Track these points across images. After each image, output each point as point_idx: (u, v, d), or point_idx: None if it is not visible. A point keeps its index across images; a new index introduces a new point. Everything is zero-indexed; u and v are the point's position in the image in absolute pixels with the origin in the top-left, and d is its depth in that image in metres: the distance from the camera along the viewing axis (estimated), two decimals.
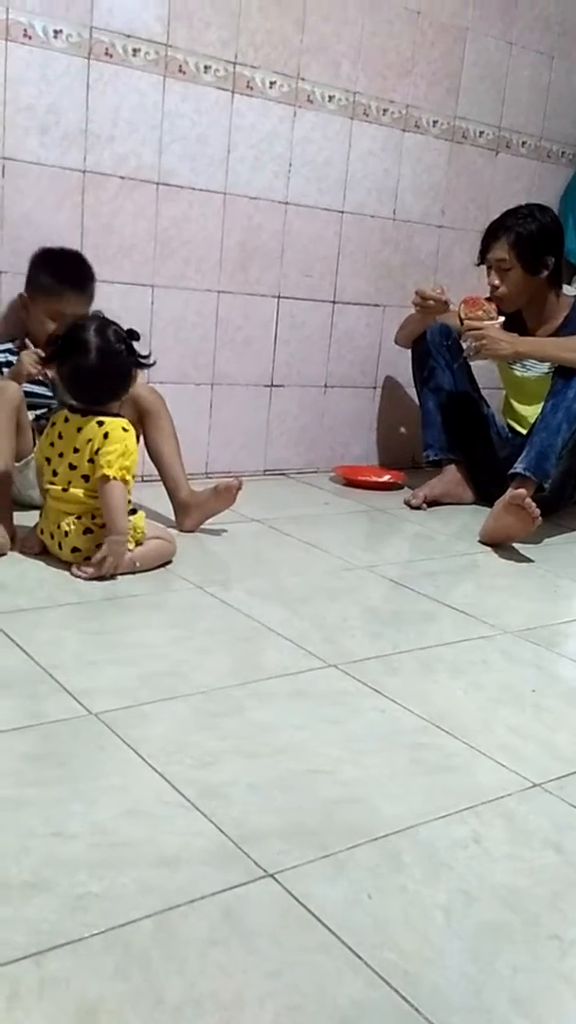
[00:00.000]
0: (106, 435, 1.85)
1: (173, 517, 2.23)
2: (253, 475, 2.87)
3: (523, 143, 3.28)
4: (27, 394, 2.08)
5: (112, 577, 1.84)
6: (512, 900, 0.99)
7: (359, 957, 0.89)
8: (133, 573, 1.88)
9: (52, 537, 1.90)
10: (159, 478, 2.23)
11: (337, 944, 0.90)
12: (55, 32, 2.29)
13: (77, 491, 1.86)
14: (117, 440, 1.85)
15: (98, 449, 1.84)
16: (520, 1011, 0.85)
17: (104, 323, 1.88)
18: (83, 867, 0.97)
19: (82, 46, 2.33)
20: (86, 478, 1.86)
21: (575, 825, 1.15)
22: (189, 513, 2.21)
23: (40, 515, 1.96)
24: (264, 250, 2.77)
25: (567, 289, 2.91)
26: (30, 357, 2.08)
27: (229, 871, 0.99)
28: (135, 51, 2.41)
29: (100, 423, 1.86)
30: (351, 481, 2.93)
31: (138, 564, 1.89)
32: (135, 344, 1.89)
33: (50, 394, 2.23)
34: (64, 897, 0.92)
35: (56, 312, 2.21)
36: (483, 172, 3.21)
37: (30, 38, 2.26)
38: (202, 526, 2.23)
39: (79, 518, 1.86)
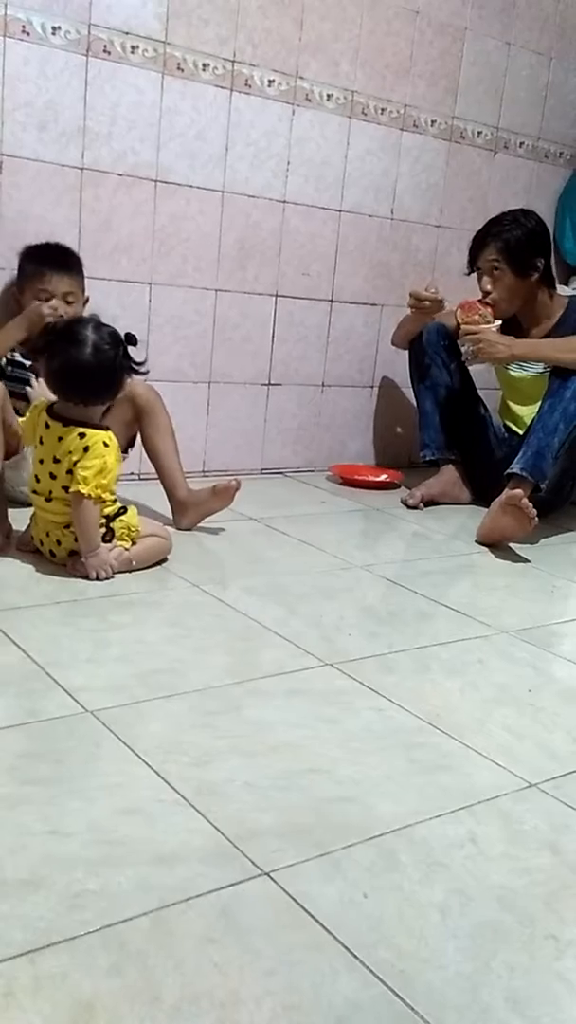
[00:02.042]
0: (86, 448, 1.79)
1: (170, 515, 2.23)
2: (250, 474, 2.87)
3: (521, 143, 3.28)
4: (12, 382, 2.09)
5: (107, 577, 1.84)
6: (508, 900, 1.00)
7: (355, 956, 0.89)
8: (130, 571, 1.88)
9: (43, 544, 1.89)
10: (156, 476, 2.23)
11: (333, 943, 0.90)
12: (53, 29, 2.28)
13: (59, 503, 1.83)
14: (96, 456, 1.79)
15: (76, 462, 1.79)
16: (516, 1011, 0.85)
17: (101, 323, 1.85)
18: (80, 865, 0.97)
19: (80, 43, 2.33)
20: (66, 488, 1.81)
21: (571, 825, 1.15)
22: (186, 512, 2.21)
23: (31, 518, 1.95)
24: (262, 248, 2.77)
25: (562, 289, 2.91)
26: (49, 307, 2.10)
27: (225, 869, 0.99)
28: (133, 48, 2.41)
29: (81, 435, 1.80)
30: (348, 480, 2.93)
31: (134, 563, 1.88)
32: (132, 349, 1.85)
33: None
34: (60, 895, 0.92)
35: (43, 292, 2.21)
36: (481, 172, 3.21)
37: (28, 35, 2.26)
38: (199, 525, 2.23)
39: (67, 527, 1.84)
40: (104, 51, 2.37)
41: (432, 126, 3.04)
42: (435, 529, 2.53)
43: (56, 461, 1.82)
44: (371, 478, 2.97)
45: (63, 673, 1.40)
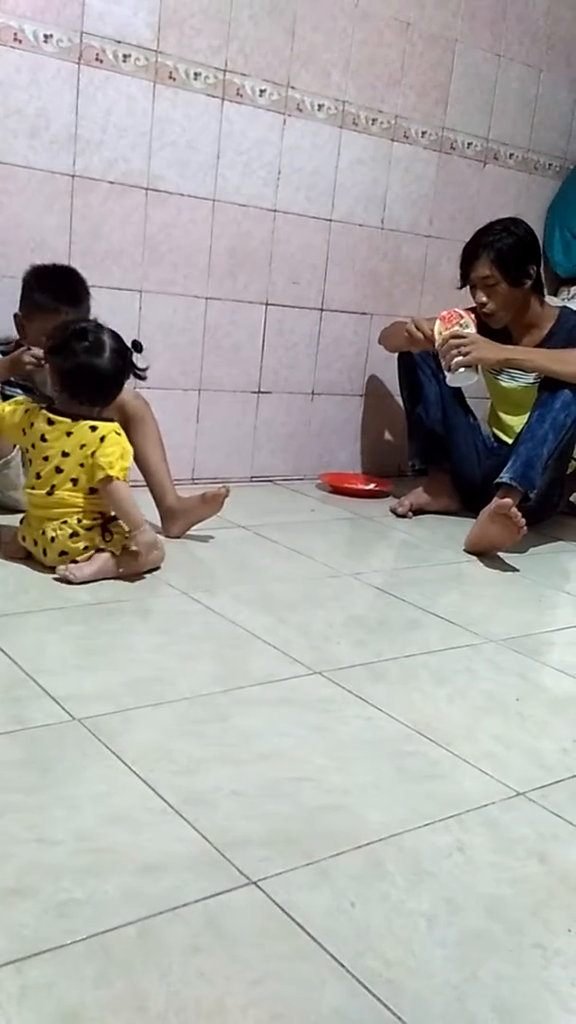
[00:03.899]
0: (102, 438, 1.87)
1: (159, 523, 2.23)
2: (239, 481, 2.87)
3: (511, 155, 3.30)
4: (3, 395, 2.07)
5: (157, 561, 1.90)
6: (496, 909, 1.00)
7: (342, 965, 0.88)
8: (116, 579, 1.87)
9: (36, 544, 1.89)
10: (145, 484, 2.23)
11: (320, 952, 0.90)
12: (46, 36, 2.29)
13: (63, 494, 1.86)
14: (114, 443, 1.87)
15: (93, 452, 1.85)
16: (503, 1020, 0.85)
17: (105, 328, 1.92)
18: (66, 873, 0.96)
19: (72, 51, 2.33)
20: (75, 481, 1.86)
21: (558, 834, 1.15)
22: (175, 520, 2.21)
23: (21, 523, 1.95)
24: (252, 257, 2.78)
25: (552, 300, 2.92)
26: (30, 355, 2.06)
27: (212, 878, 0.98)
28: (125, 57, 2.41)
29: (93, 428, 1.87)
30: (337, 488, 2.94)
31: (121, 570, 1.88)
32: (136, 356, 1.93)
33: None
34: (46, 903, 0.91)
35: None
36: (471, 183, 3.22)
37: (20, 42, 2.26)
38: (188, 532, 2.23)
39: (64, 522, 1.86)
40: (96, 59, 2.37)
41: (423, 137, 3.06)
42: (424, 538, 2.53)
43: (65, 455, 1.86)
44: (360, 486, 2.97)
45: (50, 680, 1.40)
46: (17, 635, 1.56)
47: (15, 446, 2.14)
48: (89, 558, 1.86)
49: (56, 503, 1.86)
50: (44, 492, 1.87)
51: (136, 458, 2.21)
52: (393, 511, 2.73)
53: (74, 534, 1.85)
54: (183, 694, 1.41)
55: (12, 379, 2.19)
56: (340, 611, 1.90)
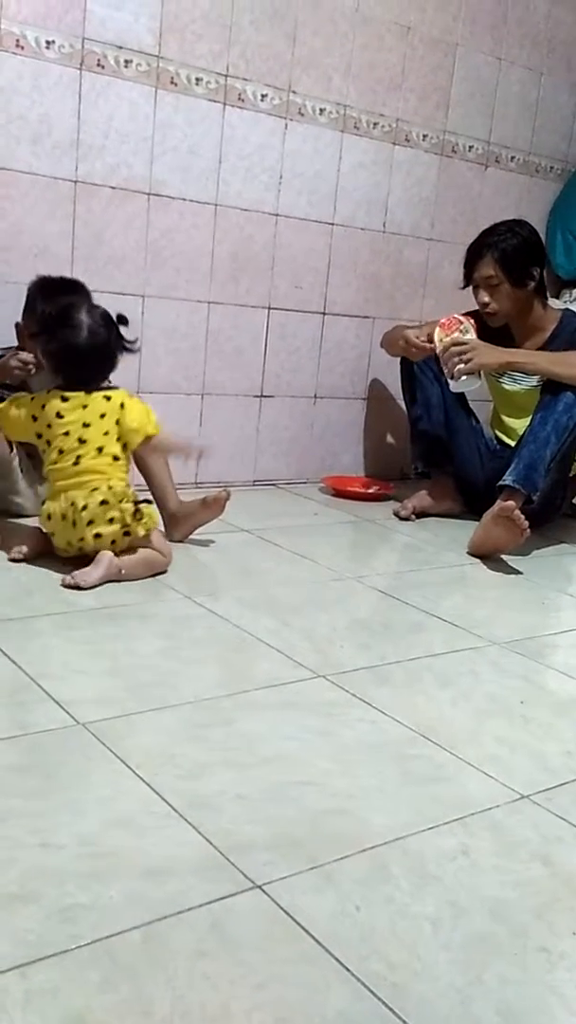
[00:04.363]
0: (122, 404, 1.94)
1: (161, 527, 2.23)
2: (242, 485, 2.87)
3: (512, 158, 3.31)
4: None
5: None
6: (500, 912, 0.99)
7: (346, 968, 0.88)
8: (119, 581, 1.87)
9: (64, 518, 1.89)
10: (147, 488, 2.23)
11: (324, 955, 0.90)
12: (47, 43, 2.30)
13: (88, 462, 1.90)
14: (135, 405, 1.97)
15: (118, 420, 1.93)
16: (508, 1023, 0.84)
17: (93, 305, 1.95)
18: (70, 878, 0.96)
19: (74, 57, 2.34)
20: (100, 449, 1.91)
21: (563, 837, 1.15)
22: (178, 524, 2.21)
23: (42, 513, 1.95)
24: (255, 261, 2.78)
25: (555, 303, 2.92)
26: (17, 360, 2.06)
27: (217, 882, 0.98)
28: (127, 62, 2.42)
29: (107, 397, 1.94)
30: (340, 492, 2.94)
31: (123, 572, 1.88)
32: (123, 329, 1.96)
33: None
34: (51, 908, 0.91)
35: None
36: (472, 186, 3.23)
37: (23, 48, 2.27)
38: (191, 536, 2.23)
39: (95, 489, 1.88)
40: (98, 65, 2.38)
41: (424, 140, 3.06)
42: (427, 541, 2.53)
43: (86, 426, 1.91)
44: (363, 490, 2.97)
45: (54, 685, 1.40)
46: (21, 639, 1.56)
47: (13, 451, 2.14)
48: (121, 554, 1.88)
49: (84, 471, 1.90)
50: (70, 464, 1.89)
51: (138, 462, 2.21)
52: (396, 514, 2.73)
53: (104, 502, 1.86)
54: (187, 698, 1.41)
55: (8, 384, 2.18)
56: (343, 614, 1.90)
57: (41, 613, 1.70)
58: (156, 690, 1.43)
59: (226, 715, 1.37)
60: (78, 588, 1.80)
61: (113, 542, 1.87)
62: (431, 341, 2.55)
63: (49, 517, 1.92)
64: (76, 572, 1.83)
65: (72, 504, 1.87)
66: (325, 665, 1.60)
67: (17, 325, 2.21)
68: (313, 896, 0.98)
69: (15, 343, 2.27)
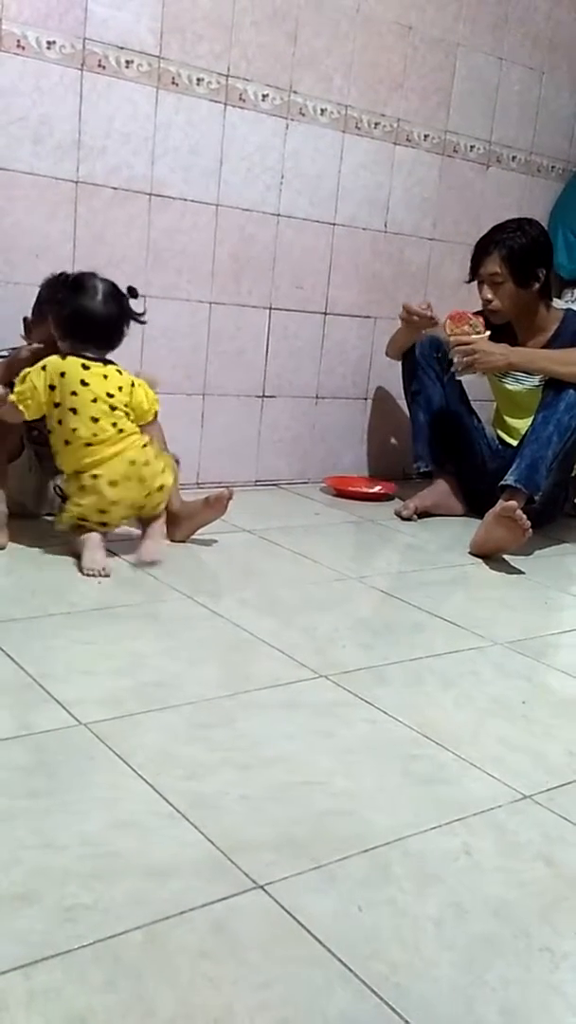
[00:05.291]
0: (132, 384, 2.01)
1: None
2: (244, 485, 2.87)
3: (513, 157, 3.31)
4: None
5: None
6: (503, 912, 0.99)
7: (349, 969, 0.88)
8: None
9: (129, 479, 1.95)
10: None
11: (327, 956, 0.90)
12: (48, 43, 2.30)
13: (126, 424, 1.98)
14: (142, 385, 2.03)
15: (130, 396, 2.00)
16: (511, 1023, 0.84)
17: (97, 275, 2.02)
18: (73, 878, 0.96)
19: (75, 57, 2.34)
20: (127, 414, 1.98)
21: (565, 837, 1.15)
22: (180, 524, 2.21)
23: (80, 493, 1.96)
24: (256, 261, 2.78)
25: (557, 303, 2.92)
26: (28, 350, 2.06)
27: (219, 883, 0.98)
28: (128, 63, 2.42)
29: (119, 371, 2.00)
30: (342, 492, 2.94)
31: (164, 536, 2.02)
32: (132, 301, 2.02)
33: None
34: (53, 908, 0.92)
35: None
36: (473, 186, 3.23)
37: (24, 48, 2.27)
38: (193, 536, 2.23)
39: (145, 446, 1.98)
40: (99, 65, 2.38)
41: (425, 140, 3.06)
42: (429, 541, 2.53)
43: (110, 395, 1.96)
44: (365, 490, 2.97)
45: (57, 686, 1.40)
46: (23, 640, 1.56)
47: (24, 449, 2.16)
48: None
49: (127, 433, 1.96)
50: (115, 430, 1.95)
51: None
52: (398, 514, 2.73)
53: (157, 454, 1.98)
54: (189, 698, 1.41)
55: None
56: (345, 615, 1.90)
57: (44, 613, 1.70)
58: (158, 690, 1.43)
59: (228, 715, 1.37)
60: (152, 564, 1.93)
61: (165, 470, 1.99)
62: (431, 324, 2.67)
63: (111, 484, 1.94)
64: (142, 552, 1.95)
65: (132, 462, 1.93)
66: (327, 665, 1.60)
67: (25, 319, 2.21)
68: (315, 896, 0.98)
69: (17, 343, 2.27)
